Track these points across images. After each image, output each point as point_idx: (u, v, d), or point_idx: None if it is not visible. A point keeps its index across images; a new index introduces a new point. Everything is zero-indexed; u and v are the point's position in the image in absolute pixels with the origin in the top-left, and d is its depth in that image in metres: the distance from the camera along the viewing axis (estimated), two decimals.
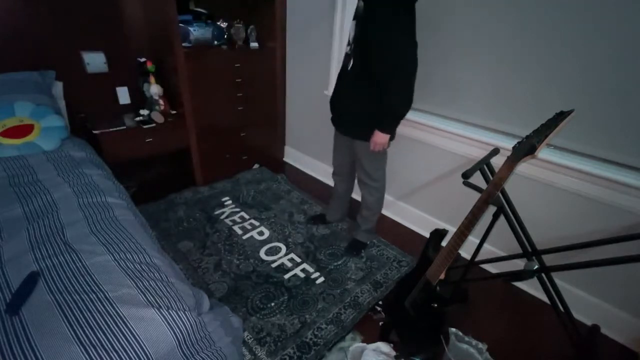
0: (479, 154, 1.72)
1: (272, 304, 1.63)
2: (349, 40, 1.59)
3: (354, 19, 1.55)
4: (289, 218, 2.29)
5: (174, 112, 2.37)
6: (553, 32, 1.48)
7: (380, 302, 1.68)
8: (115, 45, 2.22)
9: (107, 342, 0.82)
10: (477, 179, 1.37)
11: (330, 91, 1.93)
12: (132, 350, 0.82)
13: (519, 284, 1.86)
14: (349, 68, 1.58)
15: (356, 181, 1.96)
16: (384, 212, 2.42)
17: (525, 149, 0.95)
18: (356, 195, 2.05)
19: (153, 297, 0.95)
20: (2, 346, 0.80)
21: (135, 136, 2.16)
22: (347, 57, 1.60)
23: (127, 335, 0.85)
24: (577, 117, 1.04)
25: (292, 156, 3.13)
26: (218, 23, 2.43)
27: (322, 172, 2.82)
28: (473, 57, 1.75)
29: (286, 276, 1.81)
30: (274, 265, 1.88)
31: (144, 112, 2.28)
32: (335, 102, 1.76)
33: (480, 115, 1.82)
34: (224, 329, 1.09)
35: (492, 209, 1.19)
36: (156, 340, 0.87)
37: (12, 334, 0.82)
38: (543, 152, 1.55)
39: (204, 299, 1.15)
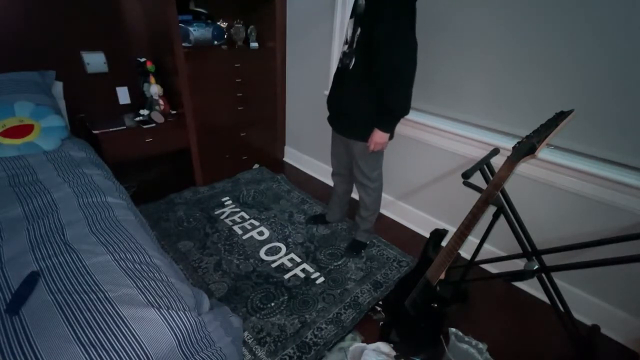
0: (479, 154, 1.72)
1: (272, 304, 1.63)
2: (346, 39, 1.57)
3: (351, 17, 1.54)
4: (289, 218, 2.29)
5: (174, 112, 2.37)
6: (553, 32, 1.48)
7: (380, 302, 1.68)
8: (115, 45, 2.22)
9: (107, 342, 0.82)
10: (477, 179, 1.37)
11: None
12: (131, 350, 0.82)
13: (519, 284, 1.86)
14: (351, 67, 1.55)
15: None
16: (384, 212, 2.42)
17: (526, 149, 0.95)
18: (355, 195, 2.05)
19: (153, 297, 0.95)
20: (2, 346, 0.80)
21: (135, 136, 2.16)
22: (346, 55, 1.58)
23: (127, 335, 0.85)
24: (577, 117, 1.04)
25: (292, 156, 3.13)
26: (218, 23, 2.43)
27: (322, 172, 2.82)
28: (473, 57, 1.75)
29: (286, 276, 1.80)
30: (274, 265, 1.88)
31: (144, 112, 2.28)
32: (333, 101, 1.74)
33: (480, 115, 1.82)
34: (224, 329, 1.09)
35: (492, 209, 1.19)
36: (156, 340, 0.87)
37: (12, 334, 0.82)
38: (543, 152, 1.55)
39: (204, 299, 1.15)
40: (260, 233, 2.12)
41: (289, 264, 1.89)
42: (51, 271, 1.00)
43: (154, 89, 2.26)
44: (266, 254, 1.96)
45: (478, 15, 1.67)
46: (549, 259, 1.41)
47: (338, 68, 1.67)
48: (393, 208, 2.39)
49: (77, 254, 1.06)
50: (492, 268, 1.88)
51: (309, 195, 2.58)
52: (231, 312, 1.27)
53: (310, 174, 2.96)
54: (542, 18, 1.49)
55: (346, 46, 1.58)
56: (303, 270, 1.86)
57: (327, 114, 1.82)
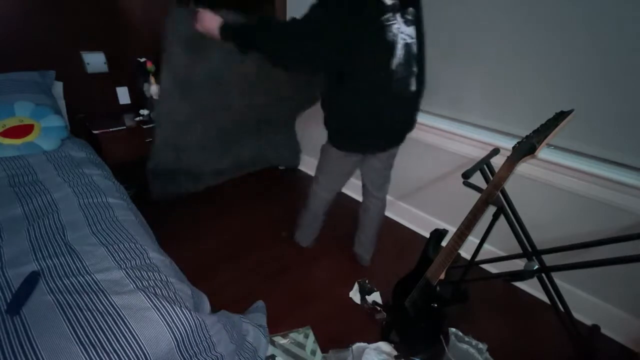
0: (479, 154, 1.72)
1: None
2: (400, 62, 1.32)
3: (398, 34, 1.29)
4: None
5: None
6: (553, 32, 1.48)
7: (381, 302, 1.68)
8: (115, 45, 2.22)
9: (106, 341, 0.82)
10: (477, 179, 1.37)
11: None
12: (130, 350, 0.82)
13: (519, 284, 1.86)
14: (412, 89, 1.42)
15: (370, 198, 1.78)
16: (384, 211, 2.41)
17: (525, 149, 0.95)
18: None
19: (153, 297, 0.95)
20: (3, 345, 0.80)
21: (135, 136, 2.15)
22: (401, 81, 1.37)
23: (126, 335, 0.85)
24: (577, 117, 1.04)
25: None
26: None
27: None
28: (473, 57, 1.75)
29: None
30: None
31: (144, 112, 2.28)
32: (393, 124, 1.50)
33: (480, 115, 1.82)
34: (229, 335, 1.08)
35: (492, 209, 1.19)
36: (155, 340, 0.87)
37: (13, 334, 0.82)
38: (543, 152, 1.55)
39: (204, 300, 1.15)
40: None
41: None
42: (51, 271, 1.00)
43: (154, 89, 2.26)
44: None
45: (478, 15, 1.67)
46: (549, 259, 1.41)
47: (387, 94, 1.38)
48: (393, 208, 2.38)
49: (77, 254, 1.06)
50: (492, 268, 1.88)
51: None
52: (247, 320, 1.26)
53: None
54: (541, 18, 1.49)
55: (402, 68, 1.35)
56: None
57: None
